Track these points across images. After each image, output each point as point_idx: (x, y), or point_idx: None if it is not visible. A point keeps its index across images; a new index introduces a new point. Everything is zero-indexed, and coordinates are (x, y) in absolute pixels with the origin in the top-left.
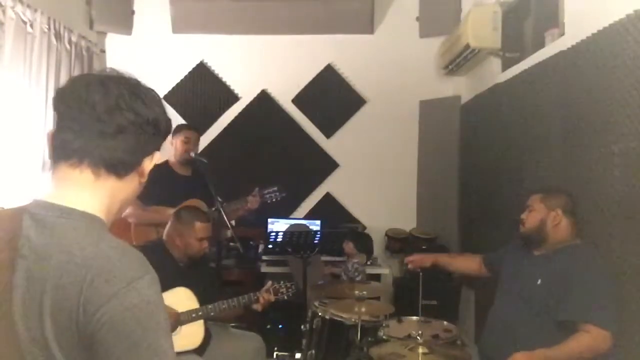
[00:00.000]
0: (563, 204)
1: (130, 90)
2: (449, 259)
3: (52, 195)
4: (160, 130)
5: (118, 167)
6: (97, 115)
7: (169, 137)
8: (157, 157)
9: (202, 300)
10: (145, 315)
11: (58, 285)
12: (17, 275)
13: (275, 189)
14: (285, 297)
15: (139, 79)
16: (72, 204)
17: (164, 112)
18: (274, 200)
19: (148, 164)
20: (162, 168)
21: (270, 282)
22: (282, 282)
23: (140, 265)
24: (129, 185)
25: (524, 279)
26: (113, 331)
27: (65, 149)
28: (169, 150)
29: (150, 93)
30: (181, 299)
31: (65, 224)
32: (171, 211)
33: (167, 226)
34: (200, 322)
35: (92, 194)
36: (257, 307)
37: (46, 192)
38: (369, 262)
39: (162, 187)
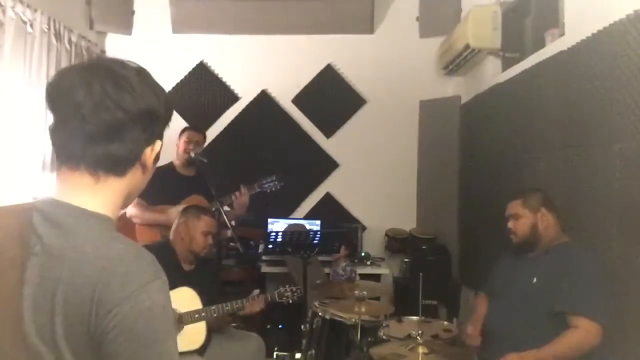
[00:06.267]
0: (543, 201)
1: (114, 82)
2: (481, 314)
3: (59, 195)
4: (157, 117)
5: (116, 167)
6: (83, 117)
7: (175, 139)
8: (159, 145)
9: (204, 303)
10: (155, 319)
11: (70, 285)
12: (29, 272)
13: (274, 177)
14: (290, 301)
15: (125, 63)
16: (81, 204)
17: (159, 96)
18: (273, 189)
19: (149, 154)
20: (165, 169)
21: (256, 291)
22: (287, 286)
23: (153, 268)
24: (132, 180)
25: (518, 282)
26: (124, 333)
27: (62, 151)
28: (174, 151)
29: (138, 79)
30: (184, 299)
31: (77, 223)
32: (174, 210)
33: (175, 223)
34: (203, 323)
35: (95, 196)
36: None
37: (52, 192)
38: (355, 260)
39: (164, 188)
